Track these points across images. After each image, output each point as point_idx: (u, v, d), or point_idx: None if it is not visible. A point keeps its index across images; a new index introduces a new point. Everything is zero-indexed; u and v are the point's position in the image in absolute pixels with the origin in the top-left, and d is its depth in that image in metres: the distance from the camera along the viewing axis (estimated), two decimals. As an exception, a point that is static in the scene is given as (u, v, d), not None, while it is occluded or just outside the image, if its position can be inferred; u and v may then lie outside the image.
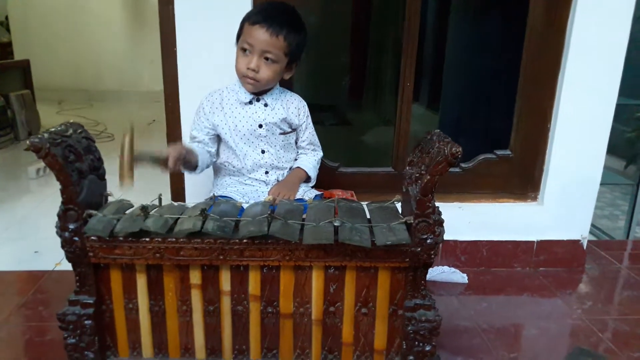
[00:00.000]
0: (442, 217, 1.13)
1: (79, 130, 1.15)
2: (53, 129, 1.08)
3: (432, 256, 1.13)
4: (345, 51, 4.25)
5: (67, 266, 1.76)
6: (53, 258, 1.90)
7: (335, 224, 1.11)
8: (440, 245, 1.86)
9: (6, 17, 6.14)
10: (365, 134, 3.77)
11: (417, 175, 1.12)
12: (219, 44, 1.62)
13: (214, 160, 1.53)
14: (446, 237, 1.85)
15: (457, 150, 1.03)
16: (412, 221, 1.10)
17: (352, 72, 4.27)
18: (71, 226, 1.08)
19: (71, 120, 1.17)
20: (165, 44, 1.72)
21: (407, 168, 1.20)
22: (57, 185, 1.06)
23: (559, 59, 1.77)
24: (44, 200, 2.60)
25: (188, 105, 1.75)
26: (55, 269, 1.84)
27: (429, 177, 1.06)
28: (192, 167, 1.43)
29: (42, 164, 3.01)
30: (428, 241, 1.10)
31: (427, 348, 1.18)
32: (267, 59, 1.38)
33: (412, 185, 1.15)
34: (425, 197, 1.08)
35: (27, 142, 1.02)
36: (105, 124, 4.49)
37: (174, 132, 1.80)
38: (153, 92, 5.74)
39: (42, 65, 5.46)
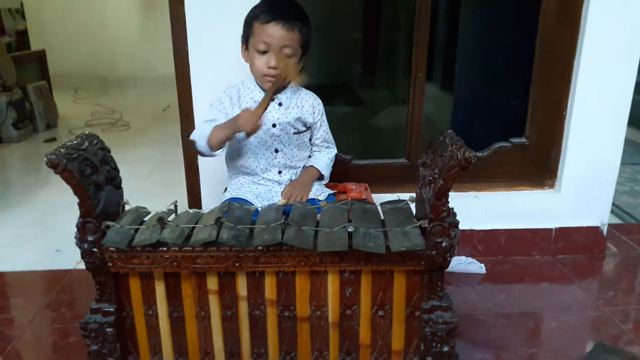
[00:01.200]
0: (458, 212, 1.12)
1: (95, 142, 1.16)
2: (69, 143, 1.09)
3: (448, 259, 1.12)
4: (357, 30, 4.19)
5: (89, 264, 1.82)
6: (74, 256, 1.92)
7: (349, 230, 1.11)
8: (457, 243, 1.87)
9: (21, 5, 6.17)
10: (378, 114, 3.74)
11: (431, 178, 1.11)
12: (230, 23, 1.57)
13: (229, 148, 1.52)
14: (463, 226, 1.85)
15: (470, 155, 1.02)
16: (426, 225, 1.09)
17: (365, 51, 4.21)
18: (90, 238, 1.10)
19: (87, 132, 1.18)
20: (175, 24, 1.71)
21: (421, 169, 1.19)
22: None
23: (575, 45, 1.73)
24: (64, 193, 2.57)
25: (200, 89, 1.76)
26: (76, 268, 1.88)
27: (442, 181, 1.05)
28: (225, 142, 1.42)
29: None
30: (443, 244, 1.10)
31: (445, 349, 1.18)
32: (286, 55, 1.38)
33: (426, 187, 1.14)
34: (439, 201, 1.07)
35: (45, 158, 1.03)
36: (120, 112, 4.53)
37: (187, 116, 1.80)
38: (167, 77, 5.75)
39: (58, 53, 5.50)
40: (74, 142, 1.10)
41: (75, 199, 1.09)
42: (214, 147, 1.41)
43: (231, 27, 1.50)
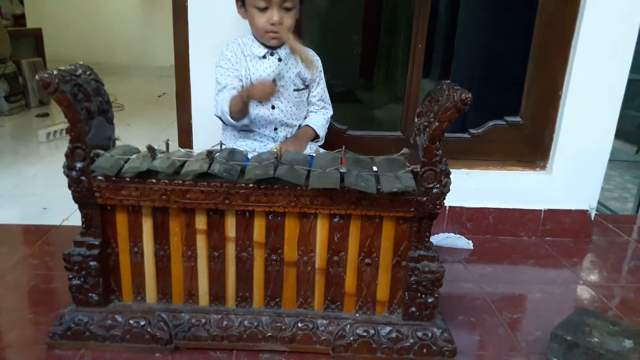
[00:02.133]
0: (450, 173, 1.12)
1: (88, 72, 1.16)
2: (63, 68, 1.08)
3: (438, 207, 1.12)
4: (357, 30, 4.24)
5: (74, 222, 1.80)
6: (61, 214, 1.91)
7: (342, 171, 1.10)
8: (447, 208, 1.87)
9: (20, -10, 6.16)
10: (375, 111, 3.77)
11: (426, 124, 1.11)
12: (231, 13, 1.56)
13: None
14: (452, 203, 1.87)
15: (467, 96, 1.02)
16: (418, 170, 1.09)
17: (363, 50, 4.26)
18: (78, 165, 1.09)
19: (81, 63, 1.17)
20: (177, 12, 1.71)
21: (416, 119, 1.19)
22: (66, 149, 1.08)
23: (573, 26, 1.74)
24: (54, 162, 2.61)
25: (198, 77, 1.77)
26: (62, 224, 1.86)
27: (437, 123, 1.05)
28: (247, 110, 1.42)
29: (52, 129, 3.03)
30: (434, 190, 1.10)
31: (430, 300, 1.18)
32: (286, 8, 1.39)
33: (420, 135, 1.14)
34: (433, 144, 1.07)
35: (37, 77, 1.02)
36: (115, 95, 4.49)
37: (184, 103, 1.81)
38: (163, 67, 5.75)
39: (55, 38, 5.48)
40: (68, 68, 1.10)
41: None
42: (237, 119, 1.42)
43: (234, 17, 1.51)
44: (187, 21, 1.72)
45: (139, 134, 3.24)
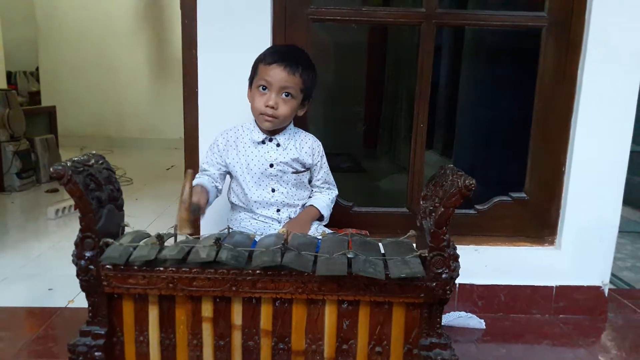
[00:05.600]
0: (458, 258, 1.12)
1: (100, 161, 1.18)
2: (76, 158, 1.11)
3: (448, 292, 1.10)
4: (360, 103, 4.38)
5: (80, 303, 1.78)
6: (67, 295, 1.90)
7: (349, 256, 1.10)
8: (457, 286, 1.85)
9: (36, 68, 6.44)
10: (379, 181, 3.81)
11: (431, 208, 1.12)
12: (240, 88, 1.62)
13: (219, 195, 1.54)
14: (462, 280, 1.84)
15: (471, 182, 1.04)
16: (426, 254, 1.09)
17: (367, 122, 4.37)
18: (87, 254, 1.09)
19: (94, 152, 1.20)
20: (188, 88, 1.77)
21: (421, 202, 1.20)
22: (74, 226, 1.09)
23: (571, 103, 1.79)
24: (61, 240, 2.63)
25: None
26: (68, 306, 1.84)
27: (443, 209, 1.06)
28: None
29: (61, 205, 3.06)
30: (443, 276, 1.09)
31: (443, 390, 1.13)
32: (286, 94, 1.42)
33: (426, 218, 1.14)
34: (439, 229, 1.07)
35: (51, 169, 1.04)
36: (124, 169, 4.58)
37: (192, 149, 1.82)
38: (172, 140, 5.89)
39: (67, 113, 5.66)
40: (81, 158, 1.12)
41: (72, 247, 1.10)
42: None
43: (244, 76, 1.55)
44: (197, 104, 1.78)
45: (147, 209, 3.28)
